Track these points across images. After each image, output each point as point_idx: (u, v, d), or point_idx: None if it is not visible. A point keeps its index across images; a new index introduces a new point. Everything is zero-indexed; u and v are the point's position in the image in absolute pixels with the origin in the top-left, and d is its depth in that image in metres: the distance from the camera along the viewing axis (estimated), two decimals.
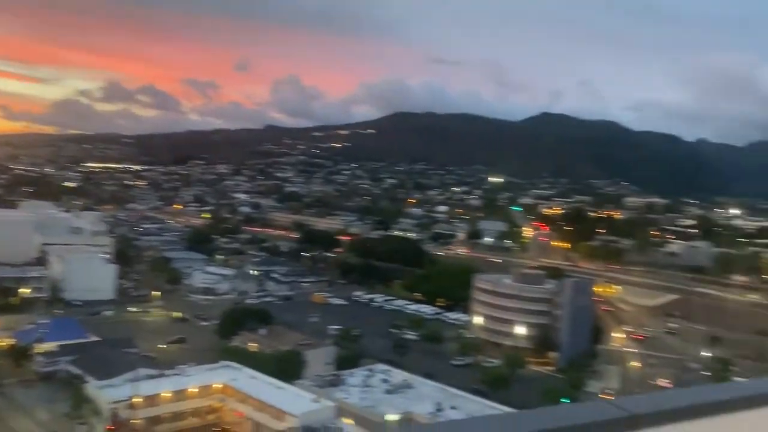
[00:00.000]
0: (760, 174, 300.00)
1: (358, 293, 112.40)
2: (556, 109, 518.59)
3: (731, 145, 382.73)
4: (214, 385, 51.97)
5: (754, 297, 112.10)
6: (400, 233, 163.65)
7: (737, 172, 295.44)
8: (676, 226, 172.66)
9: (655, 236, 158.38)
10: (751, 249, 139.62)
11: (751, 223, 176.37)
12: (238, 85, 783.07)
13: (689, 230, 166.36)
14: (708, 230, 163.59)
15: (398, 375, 57.95)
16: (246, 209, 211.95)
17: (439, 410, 48.53)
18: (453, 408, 48.78)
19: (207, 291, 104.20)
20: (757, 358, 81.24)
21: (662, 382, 70.44)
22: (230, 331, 74.50)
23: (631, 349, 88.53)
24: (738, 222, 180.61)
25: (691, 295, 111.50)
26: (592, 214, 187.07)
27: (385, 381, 55.79)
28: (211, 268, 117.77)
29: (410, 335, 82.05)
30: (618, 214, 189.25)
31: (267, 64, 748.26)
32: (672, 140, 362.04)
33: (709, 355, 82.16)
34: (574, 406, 2.51)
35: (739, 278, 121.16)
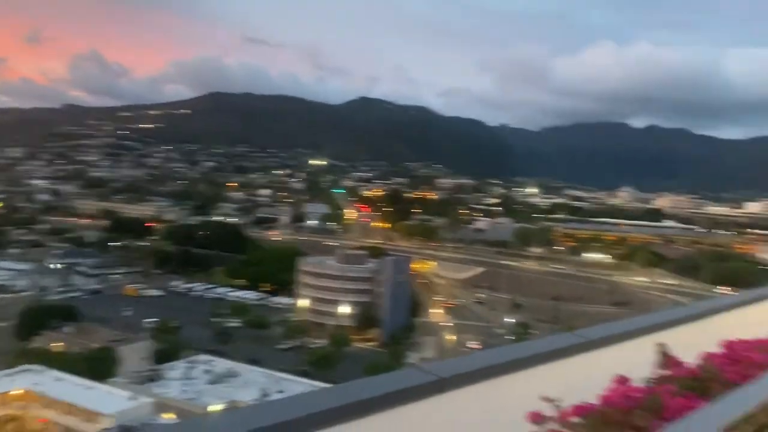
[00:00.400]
0: (553, 156, 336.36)
1: (175, 283, 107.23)
2: (374, 93, 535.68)
3: (528, 129, 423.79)
4: (12, 392, 46.62)
5: (549, 266, 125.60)
6: (221, 218, 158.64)
7: (534, 154, 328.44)
8: (482, 204, 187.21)
9: (464, 214, 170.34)
10: (546, 223, 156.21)
11: (546, 200, 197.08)
12: (30, 60, 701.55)
13: (494, 208, 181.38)
14: (510, 208, 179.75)
15: (222, 364, 56.54)
16: (44, 197, 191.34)
17: (264, 396, 48.20)
18: (279, 392, 48.74)
19: (0, 289, 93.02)
20: (551, 321, 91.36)
21: (473, 346, 76.49)
22: (30, 332, 67.45)
23: (445, 320, 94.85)
24: (535, 200, 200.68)
25: (497, 267, 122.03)
26: (408, 195, 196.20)
27: (207, 371, 54.14)
28: (4, 263, 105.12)
29: (234, 323, 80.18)
30: (432, 195, 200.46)
31: (64, 38, 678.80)
32: (477, 125, 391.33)
33: (512, 320, 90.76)
34: (386, 376, 2.55)
35: (537, 250, 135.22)
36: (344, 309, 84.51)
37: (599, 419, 2.04)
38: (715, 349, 3.19)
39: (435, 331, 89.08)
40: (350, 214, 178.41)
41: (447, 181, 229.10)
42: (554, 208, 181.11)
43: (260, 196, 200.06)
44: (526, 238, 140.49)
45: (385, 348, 74.90)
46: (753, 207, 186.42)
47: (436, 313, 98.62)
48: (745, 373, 2.29)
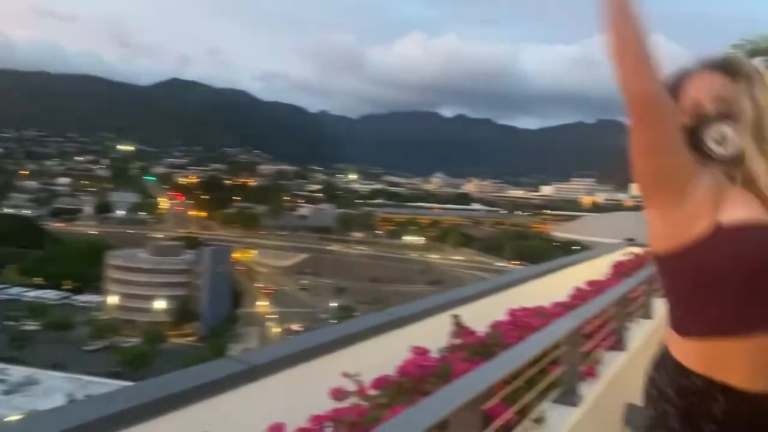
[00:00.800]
0: (372, 143, 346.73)
1: None
2: (187, 75, 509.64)
3: (347, 117, 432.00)
4: None
5: (369, 250, 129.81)
6: (11, 210, 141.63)
7: (354, 141, 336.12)
8: (304, 191, 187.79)
9: (286, 201, 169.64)
10: (366, 209, 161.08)
11: (365, 186, 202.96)
12: None
13: (316, 194, 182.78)
14: (332, 194, 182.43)
15: (18, 372, 50.94)
16: None
17: (71, 402, 44.33)
18: (88, 396, 45.14)
19: None
20: (371, 302, 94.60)
21: (296, 331, 76.87)
22: None
23: (269, 309, 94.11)
24: (355, 186, 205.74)
25: (320, 252, 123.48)
26: (227, 182, 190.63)
27: (1, 381, 48.50)
28: None
29: (31, 325, 72.32)
30: (252, 182, 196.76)
31: None
32: (298, 111, 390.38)
33: (336, 304, 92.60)
34: (195, 368, 2.50)
35: (358, 234, 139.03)
36: (159, 304, 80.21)
37: (395, 389, 2.19)
38: (504, 318, 3.56)
39: (259, 321, 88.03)
40: (163, 202, 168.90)
41: (268, 168, 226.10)
42: (373, 194, 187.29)
43: (58, 185, 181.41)
44: (348, 224, 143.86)
45: (204, 342, 72.47)
46: (546, 190, 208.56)
47: (260, 303, 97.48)
48: (523, 336, 2.66)
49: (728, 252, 1.16)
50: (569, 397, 2.98)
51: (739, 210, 1.19)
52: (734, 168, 1.23)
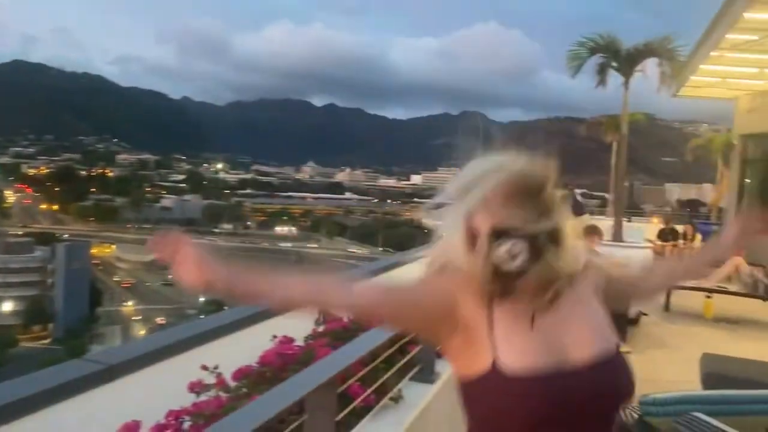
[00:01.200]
0: (239, 131, 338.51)
1: None
2: (33, 57, 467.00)
3: (212, 104, 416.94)
4: None
5: (239, 242, 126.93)
6: None
7: (220, 129, 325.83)
8: (168, 181, 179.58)
9: (148, 192, 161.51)
10: (235, 199, 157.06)
11: (234, 176, 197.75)
12: None
13: (180, 185, 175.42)
14: (197, 184, 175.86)
15: None
16: None
17: None
18: None
19: None
20: None
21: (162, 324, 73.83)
22: None
23: (132, 306, 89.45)
24: (223, 175, 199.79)
25: None
26: (82, 172, 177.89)
27: None
28: None
29: None
30: (110, 172, 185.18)
31: None
32: (159, 97, 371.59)
33: (204, 299, 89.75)
34: (44, 372, 2.37)
35: (227, 226, 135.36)
36: (6, 306, 73.61)
37: (255, 379, 2.23)
38: None
39: (122, 320, 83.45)
40: (9, 195, 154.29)
41: (127, 157, 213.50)
42: (242, 184, 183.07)
43: None
44: (216, 215, 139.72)
45: (60, 344, 67.47)
46: (416, 179, 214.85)
47: (122, 300, 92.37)
48: None
49: (506, 398, 1.13)
50: (427, 375, 3.16)
51: (520, 347, 1.14)
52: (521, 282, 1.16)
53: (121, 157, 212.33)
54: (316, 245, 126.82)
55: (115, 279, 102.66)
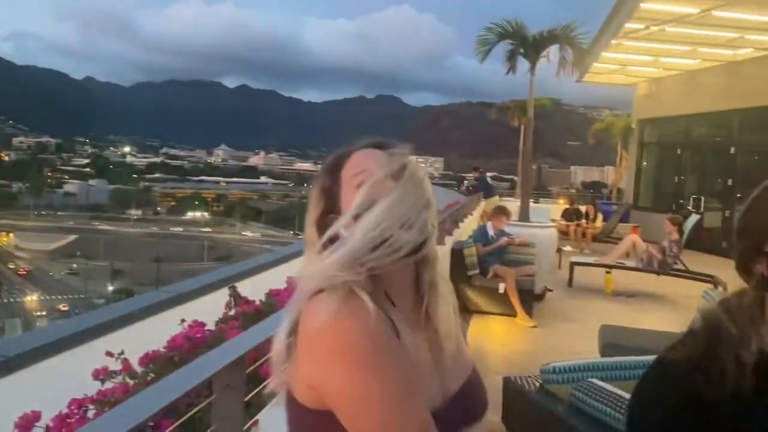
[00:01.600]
0: (146, 113, 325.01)
1: None
2: None
3: (118, 84, 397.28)
4: None
5: (149, 228, 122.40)
6: None
7: (126, 111, 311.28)
8: (71, 166, 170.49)
9: (49, 177, 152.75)
10: (144, 184, 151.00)
11: (142, 160, 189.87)
12: None
13: (85, 169, 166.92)
14: (103, 168, 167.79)
15: None
16: None
17: None
18: None
19: None
20: (154, 283, 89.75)
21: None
22: None
23: (34, 298, 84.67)
24: (130, 159, 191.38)
25: (92, 233, 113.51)
26: None
27: None
28: None
29: None
30: (5, 156, 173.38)
31: None
32: (60, 77, 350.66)
33: (112, 288, 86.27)
34: None
35: (136, 212, 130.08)
36: None
37: (162, 363, 2.21)
38: (282, 287, 3.70)
39: (21, 312, 78.80)
40: None
41: (25, 140, 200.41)
42: (151, 168, 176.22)
43: None
44: (124, 201, 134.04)
45: None
46: None
47: (23, 292, 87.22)
48: None
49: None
50: None
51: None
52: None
53: (18, 140, 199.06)
54: (230, 230, 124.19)
55: (11, 268, 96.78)
